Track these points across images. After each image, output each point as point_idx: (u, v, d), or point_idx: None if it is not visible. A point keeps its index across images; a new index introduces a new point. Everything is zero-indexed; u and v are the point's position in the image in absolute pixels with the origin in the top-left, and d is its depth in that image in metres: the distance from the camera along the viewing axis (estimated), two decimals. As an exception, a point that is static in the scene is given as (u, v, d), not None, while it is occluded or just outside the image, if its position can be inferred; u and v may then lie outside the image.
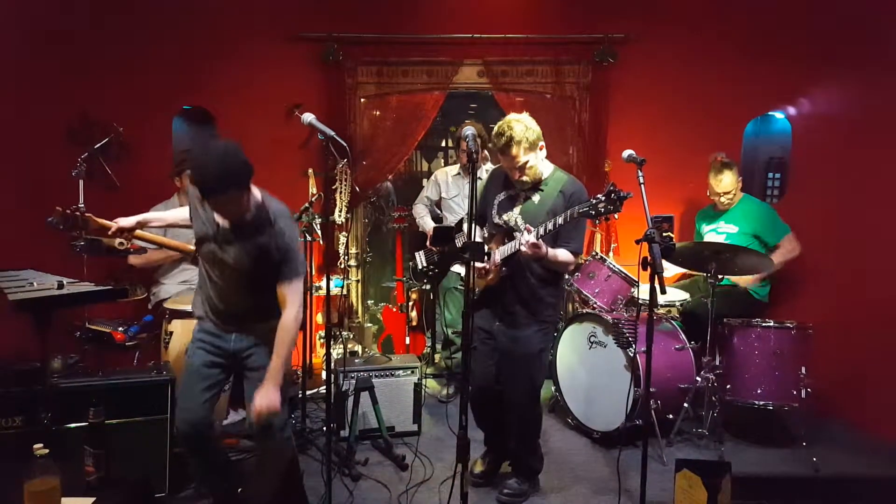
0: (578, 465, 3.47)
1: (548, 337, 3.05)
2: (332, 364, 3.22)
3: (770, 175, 5.32)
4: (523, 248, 2.65)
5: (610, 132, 4.72)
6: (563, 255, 2.81)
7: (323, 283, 3.66)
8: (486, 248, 2.92)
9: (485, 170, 4.21)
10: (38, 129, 4.08)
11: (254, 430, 2.49)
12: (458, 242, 3.57)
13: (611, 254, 4.50)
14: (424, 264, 4.19)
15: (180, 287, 3.89)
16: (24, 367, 2.78)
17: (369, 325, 4.88)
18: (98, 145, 4.00)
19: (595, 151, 4.73)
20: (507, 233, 2.91)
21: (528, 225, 2.73)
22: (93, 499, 2.02)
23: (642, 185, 2.61)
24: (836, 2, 4.21)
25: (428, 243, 4.34)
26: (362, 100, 4.82)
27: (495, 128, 2.81)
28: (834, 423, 3.87)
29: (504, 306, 2.95)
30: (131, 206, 3.94)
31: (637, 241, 2.51)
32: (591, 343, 3.75)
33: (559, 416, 4.06)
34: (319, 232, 3.81)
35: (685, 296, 4.13)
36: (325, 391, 3.32)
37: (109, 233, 2.65)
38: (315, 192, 4.20)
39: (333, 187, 4.31)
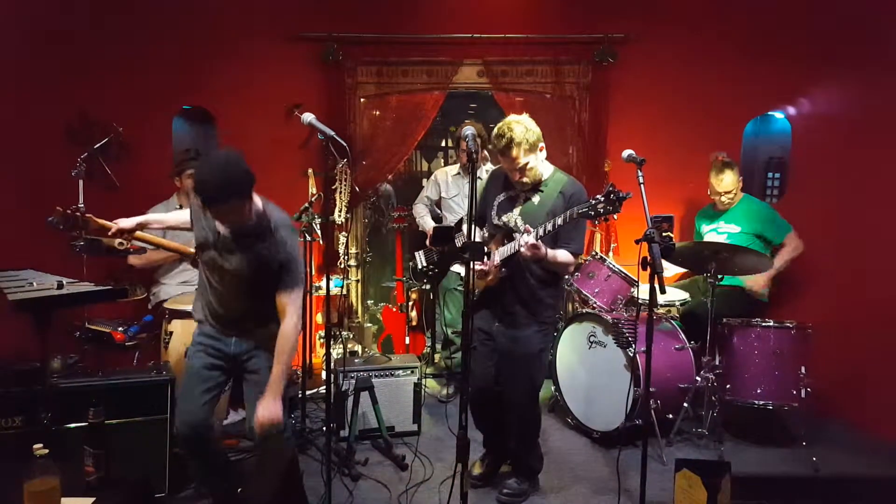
0: (578, 464, 3.47)
1: (547, 337, 3.05)
2: (332, 364, 3.22)
3: (770, 175, 5.32)
4: (523, 250, 2.65)
5: (610, 132, 4.72)
6: (562, 255, 2.81)
7: (323, 283, 3.67)
8: (485, 248, 2.93)
9: (485, 170, 4.21)
10: (38, 128, 4.08)
11: (254, 435, 2.50)
12: (458, 242, 3.57)
13: (610, 253, 4.50)
14: (424, 264, 4.20)
15: (180, 287, 3.89)
16: (24, 367, 2.78)
17: (369, 324, 4.88)
18: (98, 145, 4.00)
19: (595, 151, 4.73)
20: (507, 234, 2.91)
21: (527, 226, 2.73)
22: (92, 499, 2.02)
23: (642, 185, 2.61)
24: (836, 2, 4.21)
25: (428, 243, 4.34)
26: (362, 100, 4.82)
27: (495, 129, 2.81)
28: (834, 423, 3.87)
29: (504, 307, 2.95)
30: (131, 206, 3.94)
31: (637, 241, 2.51)
32: (591, 343, 3.75)
33: (559, 415, 4.06)
34: (319, 232, 3.81)
35: (685, 295, 4.14)
36: (324, 391, 3.32)
37: (109, 234, 2.65)
38: (315, 192, 4.20)
39: (333, 187, 4.31)
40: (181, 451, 2.68)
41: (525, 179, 2.85)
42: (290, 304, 2.49)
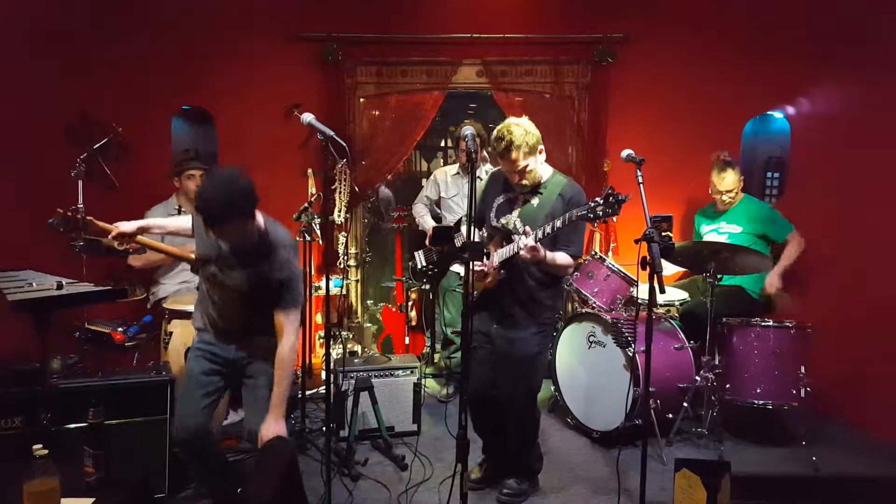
0: (578, 464, 3.47)
1: (546, 339, 3.05)
2: (332, 364, 3.23)
3: (769, 174, 5.32)
4: (522, 252, 2.65)
5: (609, 132, 4.72)
6: (561, 258, 2.81)
7: (322, 283, 3.67)
8: (484, 248, 2.93)
9: (484, 170, 4.21)
10: (38, 129, 4.08)
11: (253, 439, 2.53)
12: (458, 242, 3.57)
13: (610, 253, 4.50)
14: (424, 264, 4.20)
15: (179, 286, 3.89)
16: (24, 368, 2.78)
17: (369, 324, 4.87)
18: (97, 145, 4.00)
19: (594, 151, 4.73)
20: (506, 236, 2.90)
21: (527, 228, 2.73)
22: (92, 499, 2.02)
23: (641, 185, 2.62)
24: (836, 2, 4.20)
25: (427, 243, 4.34)
26: (361, 100, 4.82)
27: (495, 132, 2.81)
28: (833, 423, 3.87)
29: (502, 309, 2.95)
30: (130, 207, 3.97)
31: (636, 241, 2.51)
32: (591, 343, 3.75)
33: (559, 415, 4.06)
34: (319, 232, 3.81)
35: (684, 295, 4.14)
36: (324, 391, 3.32)
37: (110, 236, 2.66)
38: (314, 192, 4.20)
39: (333, 187, 4.31)
40: (181, 455, 2.68)
41: (524, 182, 2.85)
42: (288, 324, 2.52)
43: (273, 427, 2.46)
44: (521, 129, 2.76)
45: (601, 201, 2.52)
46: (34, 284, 2.58)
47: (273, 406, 2.49)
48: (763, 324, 3.60)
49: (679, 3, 4.62)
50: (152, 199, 4.03)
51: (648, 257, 2.45)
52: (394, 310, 4.76)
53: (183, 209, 3.98)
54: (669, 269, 4.24)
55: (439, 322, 4.83)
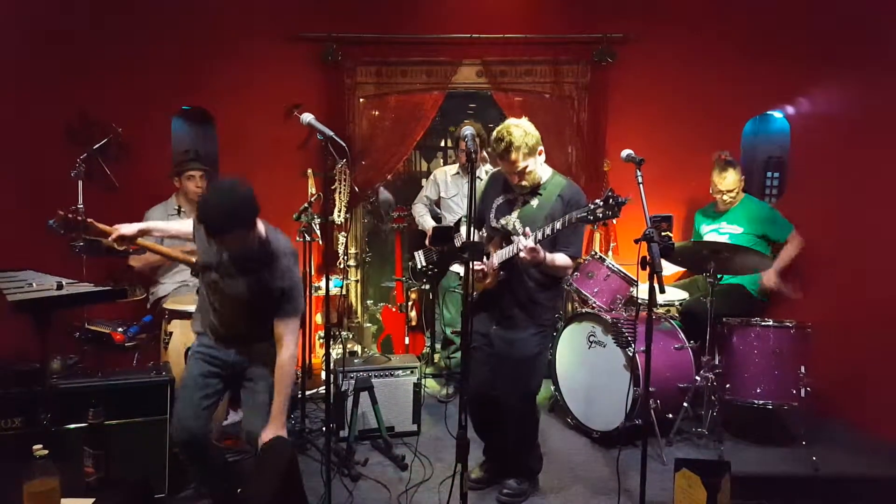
0: (578, 464, 3.47)
1: (545, 340, 3.04)
2: (332, 364, 3.23)
3: (769, 174, 5.32)
4: (521, 253, 2.65)
5: (609, 132, 4.72)
6: (560, 259, 2.81)
7: (322, 284, 3.67)
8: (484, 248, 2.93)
9: (484, 170, 4.21)
10: (38, 129, 4.08)
11: (252, 443, 2.53)
12: (457, 242, 3.57)
13: (610, 253, 4.50)
14: (424, 264, 4.20)
15: (179, 286, 3.89)
16: (24, 368, 2.78)
17: (368, 325, 4.88)
18: (97, 146, 4.00)
19: (594, 151, 4.73)
20: (505, 237, 2.90)
21: (527, 229, 2.73)
22: (92, 500, 2.02)
23: (641, 185, 2.62)
24: (836, 2, 4.20)
25: (427, 243, 4.34)
26: (361, 100, 4.82)
27: (494, 133, 2.81)
28: (833, 423, 3.87)
29: (502, 310, 2.95)
30: (130, 207, 3.97)
31: (636, 241, 2.51)
32: (591, 342, 3.75)
33: (559, 415, 4.06)
34: (318, 232, 3.81)
35: (684, 295, 4.14)
36: (324, 391, 3.32)
37: (110, 239, 2.66)
38: (314, 192, 4.20)
39: (332, 187, 4.31)
40: (180, 456, 2.69)
41: (524, 183, 2.85)
42: (287, 334, 2.53)
43: (272, 435, 2.47)
44: (520, 130, 2.76)
45: (601, 203, 2.52)
46: (34, 285, 2.58)
47: (274, 416, 2.50)
48: (763, 324, 3.60)
49: (679, 3, 4.62)
50: (152, 200, 4.03)
51: (648, 257, 2.45)
52: (394, 310, 4.76)
53: (182, 209, 3.99)
54: (669, 269, 4.24)
55: (439, 322, 4.83)
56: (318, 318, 4.57)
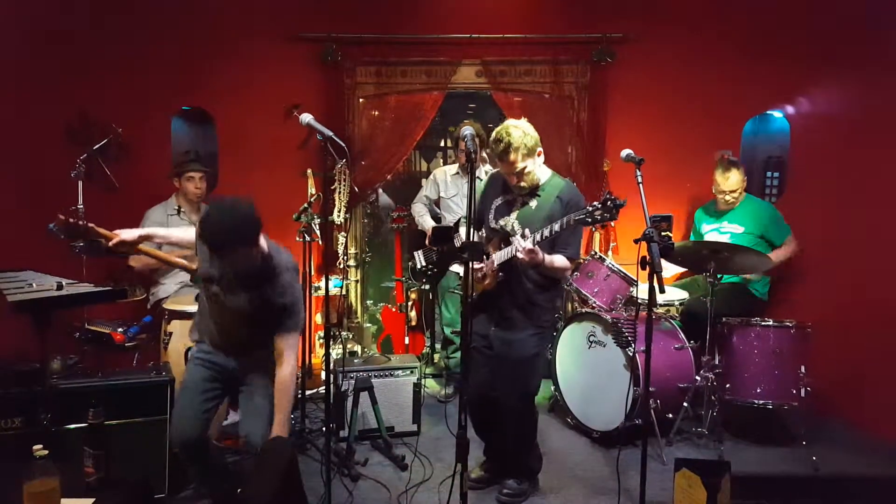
0: (578, 464, 3.47)
1: (544, 341, 3.04)
2: (332, 364, 3.23)
3: (769, 174, 5.32)
4: (520, 255, 2.65)
5: (608, 132, 4.72)
6: (559, 260, 2.81)
7: (322, 284, 3.67)
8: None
9: (484, 170, 4.21)
10: (38, 129, 4.08)
11: (250, 447, 2.54)
12: (457, 242, 3.57)
13: (610, 253, 4.51)
14: (423, 264, 4.20)
15: (179, 286, 3.89)
16: (24, 368, 2.78)
17: (368, 325, 4.87)
18: (97, 146, 4.00)
19: (594, 151, 4.73)
20: (504, 238, 2.91)
21: (526, 230, 2.73)
22: (92, 500, 2.02)
23: (640, 185, 2.62)
24: (836, 2, 4.20)
25: (427, 243, 4.34)
26: (361, 100, 4.82)
27: (493, 133, 2.81)
28: (833, 423, 3.87)
29: (501, 311, 2.95)
30: (130, 207, 3.97)
31: (636, 241, 2.51)
32: (591, 342, 3.75)
33: (558, 415, 4.06)
34: (318, 232, 3.82)
35: (684, 295, 4.14)
36: (324, 391, 3.32)
37: (111, 244, 2.66)
38: (314, 192, 4.20)
39: (332, 187, 4.31)
40: (180, 458, 2.69)
41: (522, 184, 2.85)
42: (287, 349, 2.53)
43: None
44: (519, 131, 2.76)
45: (599, 206, 2.52)
46: (34, 285, 2.58)
47: (276, 428, 2.50)
48: (763, 323, 3.60)
49: (679, 3, 4.62)
50: (152, 200, 4.03)
51: (648, 257, 2.45)
52: (393, 310, 4.76)
53: (182, 209, 3.99)
54: (669, 269, 4.24)
55: (439, 322, 4.83)
56: (318, 318, 4.57)
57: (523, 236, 2.67)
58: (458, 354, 4.41)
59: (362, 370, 3.66)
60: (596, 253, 4.07)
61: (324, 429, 3.64)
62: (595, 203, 2.55)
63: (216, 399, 2.68)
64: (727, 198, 4.17)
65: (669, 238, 4.01)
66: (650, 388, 2.91)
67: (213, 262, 2.50)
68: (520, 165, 2.78)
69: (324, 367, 3.74)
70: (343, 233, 4.59)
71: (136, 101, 4.35)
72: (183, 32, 4.44)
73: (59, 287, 2.53)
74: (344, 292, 4.75)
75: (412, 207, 4.66)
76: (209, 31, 4.48)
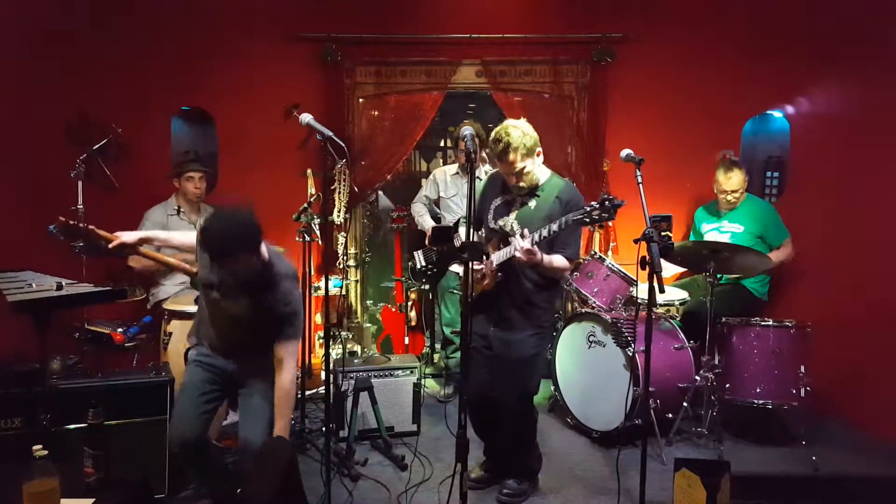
0: (577, 464, 3.47)
1: (543, 341, 3.04)
2: (331, 364, 3.23)
3: (768, 174, 5.33)
4: (518, 255, 2.65)
5: (608, 132, 4.72)
6: (558, 260, 2.81)
7: (321, 284, 3.67)
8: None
9: (483, 170, 4.21)
10: (38, 129, 4.08)
11: (247, 451, 2.54)
12: (457, 242, 3.57)
13: (609, 253, 4.51)
14: (423, 263, 4.20)
15: (179, 287, 3.89)
16: (24, 368, 2.78)
17: (368, 325, 4.88)
18: (97, 146, 4.00)
19: (594, 151, 4.73)
20: (503, 238, 2.91)
21: (525, 230, 2.73)
22: (92, 500, 2.02)
23: (640, 185, 2.62)
24: (836, 2, 4.20)
25: (427, 242, 4.34)
26: (361, 100, 4.82)
27: (493, 133, 2.81)
28: (833, 423, 3.87)
29: (500, 311, 2.95)
30: (130, 207, 3.97)
31: (636, 241, 2.51)
32: (591, 342, 3.75)
33: (558, 415, 4.06)
34: (318, 232, 3.81)
35: (684, 295, 4.14)
36: (324, 391, 3.32)
37: (111, 246, 2.66)
38: (314, 192, 4.20)
39: (332, 187, 4.31)
40: (178, 460, 2.69)
41: (521, 184, 2.85)
42: (287, 357, 2.53)
43: None
44: (518, 131, 2.76)
45: (597, 206, 2.52)
46: (34, 285, 2.58)
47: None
48: (763, 323, 3.61)
49: (679, 3, 4.62)
50: (152, 200, 4.03)
51: (648, 257, 2.45)
52: (393, 310, 4.76)
53: (182, 210, 3.99)
54: (669, 269, 4.24)
55: (439, 322, 4.83)
56: (318, 318, 4.57)
57: (522, 236, 2.67)
58: (458, 354, 4.42)
59: (362, 370, 3.66)
60: (596, 253, 4.07)
61: (323, 429, 3.64)
62: (593, 203, 2.55)
63: (215, 401, 2.68)
64: (729, 197, 4.16)
65: (669, 238, 4.00)
66: (650, 388, 2.91)
67: (213, 269, 2.50)
68: (519, 165, 2.77)
69: (323, 367, 3.74)
70: (343, 233, 4.59)
71: (136, 101, 4.35)
72: (183, 32, 4.44)
73: (59, 287, 2.53)
74: (344, 292, 4.75)
75: (412, 207, 4.66)
76: (209, 31, 4.48)
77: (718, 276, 3.59)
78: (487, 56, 4.69)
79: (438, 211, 4.65)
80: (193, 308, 3.08)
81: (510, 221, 2.91)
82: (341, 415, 3.60)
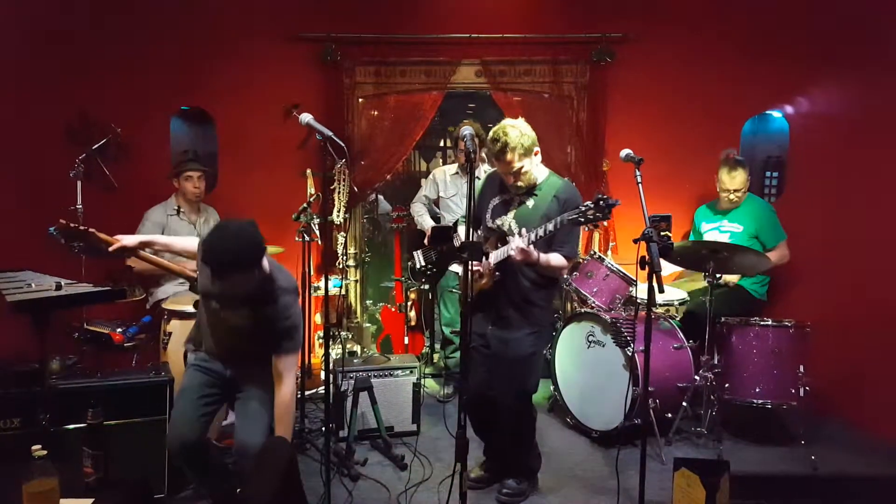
0: (577, 464, 3.47)
1: (541, 340, 3.03)
2: (331, 364, 3.23)
3: (768, 174, 5.33)
4: (513, 254, 2.66)
5: (608, 132, 4.72)
6: (556, 259, 2.81)
7: (321, 284, 3.67)
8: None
9: (483, 170, 4.20)
10: (38, 129, 4.08)
11: (244, 456, 2.53)
12: (456, 242, 3.57)
13: (609, 253, 4.51)
14: (423, 263, 4.20)
15: (178, 287, 3.88)
16: (23, 369, 2.78)
17: (368, 325, 4.88)
18: (96, 146, 4.00)
19: (593, 151, 4.73)
20: (501, 237, 2.91)
21: (521, 229, 2.73)
22: (91, 500, 2.02)
23: (640, 185, 2.62)
24: (836, 2, 4.20)
25: (426, 242, 4.35)
26: (360, 100, 4.82)
27: (490, 133, 2.81)
28: (832, 422, 3.87)
29: (497, 310, 2.95)
30: (129, 207, 3.98)
31: (635, 241, 2.52)
32: (590, 342, 3.75)
33: (558, 415, 4.06)
34: (318, 232, 3.82)
35: (683, 295, 4.14)
36: (323, 391, 3.33)
37: (111, 249, 2.65)
38: (313, 192, 4.20)
39: (332, 187, 4.31)
40: (175, 462, 2.69)
41: (519, 183, 2.85)
42: (286, 371, 2.53)
43: None
44: (516, 130, 2.76)
45: (591, 205, 2.53)
46: (33, 285, 2.58)
47: None
48: (762, 323, 3.61)
49: (679, 3, 4.62)
50: (151, 200, 4.03)
51: (647, 257, 2.45)
52: (393, 310, 4.77)
53: (182, 210, 3.99)
54: (667, 269, 4.24)
55: (438, 322, 4.83)
56: (318, 318, 4.57)
57: (519, 235, 2.68)
58: (458, 354, 4.42)
59: (362, 370, 3.66)
60: (595, 253, 4.07)
61: (323, 429, 3.64)
62: (588, 203, 2.56)
63: (215, 404, 2.68)
64: (731, 196, 4.16)
65: (668, 238, 4.01)
66: (649, 388, 2.92)
67: (214, 281, 2.50)
68: (517, 165, 2.78)
69: (323, 367, 3.74)
70: (342, 233, 4.59)
71: (136, 101, 4.35)
72: (183, 32, 4.44)
73: (58, 287, 2.53)
74: (343, 292, 4.75)
75: (411, 207, 4.66)
76: (209, 31, 4.48)
77: (718, 276, 3.58)
78: (487, 56, 4.69)
79: (438, 211, 4.66)
80: (193, 308, 3.08)
81: (508, 220, 2.91)
82: (341, 415, 3.60)
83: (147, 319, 3.65)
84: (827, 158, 4.29)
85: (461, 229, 3.32)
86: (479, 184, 3.18)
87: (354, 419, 3.50)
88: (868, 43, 3.99)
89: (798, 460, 3.39)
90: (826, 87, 4.39)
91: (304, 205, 3.82)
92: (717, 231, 4.22)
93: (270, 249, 2.77)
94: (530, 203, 2.89)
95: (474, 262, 2.77)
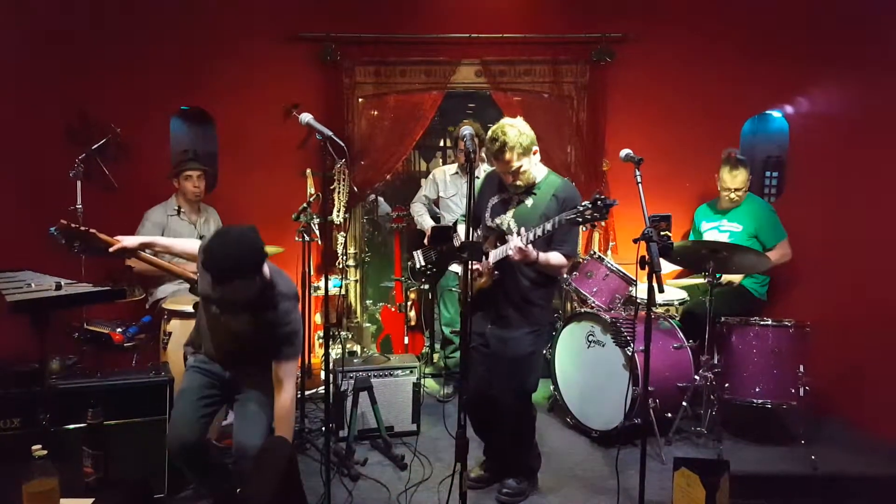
0: (577, 463, 3.48)
1: (540, 339, 3.03)
2: (331, 364, 3.23)
3: (768, 174, 5.33)
4: (510, 253, 2.66)
5: (608, 131, 4.72)
6: (555, 258, 2.81)
7: (321, 284, 3.67)
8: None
9: (483, 170, 4.20)
10: (38, 129, 4.08)
11: (243, 458, 2.53)
12: (456, 242, 3.57)
13: (609, 252, 4.51)
14: (423, 263, 4.20)
15: (178, 287, 3.89)
16: (23, 369, 2.78)
17: (368, 324, 4.88)
18: (96, 146, 4.00)
19: (593, 151, 4.73)
20: (500, 236, 2.91)
21: (521, 228, 2.73)
22: (91, 500, 2.02)
23: (640, 184, 2.63)
24: (836, 2, 4.20)
25: (426, 242, 4.35)
26: (360, 100, 4.82)
27: (489, 132, 2.81)
28: (832, 422, 3.87)
29: (497, 309, 2.95)
30: (129, 207, 3.98)
31: (635, 241, 2.52)
32: (590, 342, 3.75)
33: (558, 415, 4.06)
34: (318, 232, 3.82)
35: (683, 294, 4.14)
36: (323, 391, 3.33)
37: (111, 249, 2.65)
38: (313, 192, 4.20)
39: (332, 187, 4.30)
40: (174, 462, 2.69)
41: (518, 182, 2.86)
42: (286, 377, 2.53)
43: None
44: (515, 130, 2.76)
45: (589, 205, 2.53)
46: (33, 285, 2.58)
47: None
48: (762, 323, 3.61)
49: (679, 3, 4.62)
50: (151, 200, 4.03)
51: (647, 257, 2.45)
52: (393, 310, 4.77)
53: (182, 210, 3.99)
54: (667, 268, 4.24)
55: (438, 322, 4.83)
56: (318, 318, 4.57)
57: (518, 234, 2.68)
58: (458, 354, 4.42)
59: (362, 370, 3.66)
60: (595, 252, 4.07)
61: (323, 429, 3.64)
62: (585, 203, 2.56)
63: (214, 405, 2.68)
64: (732, 195, 4.16)
65: (668, 238, 4.01)
66: (649, 388, 2.92)
67: (215, 287, 2.50)
68: (515, 164, 2.78)
69: (323, 367, 3.74)
70: (342, 232, 4.59)
71: (136, 101, 4.35)
72: (183, 32, 4.44)
73: (58, 287, 2.53)
74: (343, 292, 4.75)
75: (411, 207, 4.66)
76: (209, 31, 4.48)
77: (718, 275, 3.58)
78: (487, 56, 4.69)
79: (438, 211, 4.66)
80: (193, 309, 3.08)
81: (507, 219, 2.91)
82: (341, 415, 3.60)
83: (147, 319, 3.65)
84: (827, 158, 4.29)
85: (461, 229, 3.31)
86: (478, 183, 3.18)
87: (354, 419, 3.50)
88: (868, 43, 4.00)
89: (798, 460, 3.39)
90: (826, 87, 4.40)
91: (304, 205, 3.83)
92: (716, 230, 4.23)
93: (270, 249, 2.77)
94: (529, 202, 2.89)
95: (474, 262, 2.78)
